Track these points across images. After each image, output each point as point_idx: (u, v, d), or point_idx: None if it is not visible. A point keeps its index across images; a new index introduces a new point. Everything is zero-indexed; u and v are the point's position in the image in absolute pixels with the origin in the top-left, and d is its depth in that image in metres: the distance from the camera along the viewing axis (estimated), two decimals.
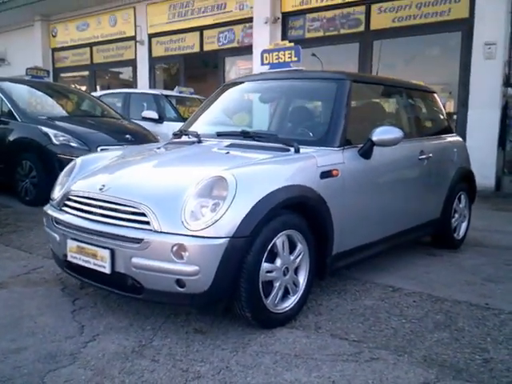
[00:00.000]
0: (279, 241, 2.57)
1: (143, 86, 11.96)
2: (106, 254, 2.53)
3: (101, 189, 2.70)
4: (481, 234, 4.83)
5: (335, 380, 2.11)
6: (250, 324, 2.58)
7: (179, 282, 2.38)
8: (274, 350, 2.36)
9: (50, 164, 5.80)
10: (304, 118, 3.53)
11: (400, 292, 3.21)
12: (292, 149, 2.96)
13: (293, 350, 2.37)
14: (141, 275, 2.46)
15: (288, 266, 2.64)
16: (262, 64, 3.77)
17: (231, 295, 2.46)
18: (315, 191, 2.76)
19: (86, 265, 2.65)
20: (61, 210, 2.92)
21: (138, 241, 2.41)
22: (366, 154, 3.12)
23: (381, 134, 3.09)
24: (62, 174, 3.24)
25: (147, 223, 2.44)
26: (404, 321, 2.76)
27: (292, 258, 2.67)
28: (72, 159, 5.82)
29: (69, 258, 2.77)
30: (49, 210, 3.03)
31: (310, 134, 3.28)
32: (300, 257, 2.72)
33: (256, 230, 2.41)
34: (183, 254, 2.34)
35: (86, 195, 2.77)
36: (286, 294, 2.68)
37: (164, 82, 12.66)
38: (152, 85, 12.06)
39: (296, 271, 2.73)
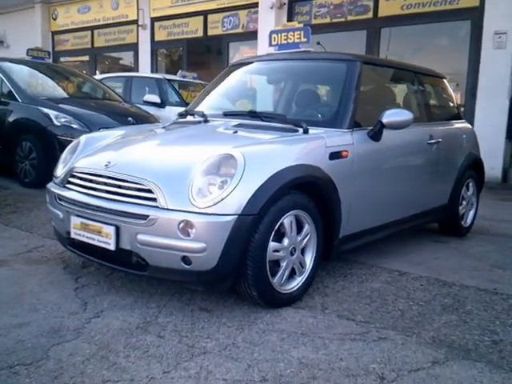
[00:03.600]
0: (287, 220, 2.53)
1: (144, 71, 11.86)
2: (111, 230, 2.49)
3: (106, 165, 2.65)
4: (487, 222, 4.81)
5: (343, 357, 2.08)
6: (255, 303, 2.55)
7: (185, 259, 2.34)
8: (281, 329, 2.33)
9: (51, 146, 5.73)
10: (312, 99, 3.47)
11: (407, 276, 3.18)
12: (301, 129, 2.91)
13: (299, 329, 2.34)
14: (146, 252, 2.43)
15: (295, 246, 2.61)
16: (270, 45, 3.70)
17: (237, 273, 2.42)
18: (324, 172, 2.72)
19: (90, 241, 2.62)
20: (64, 186, 2.88)
21: (144, 217, 2.37)
22: (375, 136, 3.08)
23: (391, 116, 3.04)
24: (66, 151, 3.20)
25: (153, 200, 2.40)
26: (411, 303, 2.73)
27: (299, 238, 2.63)
28: (73, 141, 5.81)
29: (72, 235, 2.73)
30: (52, 187, 2.99)
31: (319, 115, 3.23)
32: (307, 238, 2.68)
33: (264, 208, 2.37)
34: (190, 230, 2.30)
35: (91, 172, 2.72)
36: (292, 275, 2.65)
37: (166, 68, 12.57)
38: (154, 71, 11.96)
39: (303, 252, 2.69)
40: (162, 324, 2.35)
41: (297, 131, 2.92)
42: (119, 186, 2.54)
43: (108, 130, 3.53)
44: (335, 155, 2.82)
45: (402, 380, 1.92)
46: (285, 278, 2.58)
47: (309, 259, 2.73)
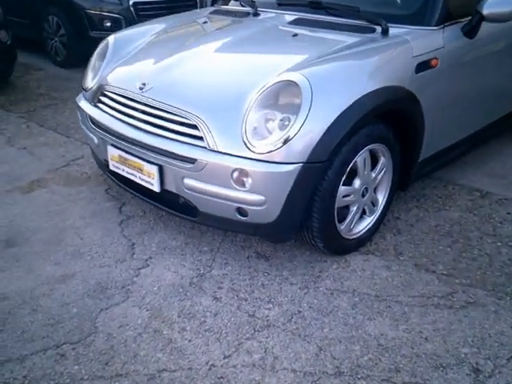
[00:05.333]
0: (360, 159, 2.09)
1: None
2: (154, 170, 2.14)
3: (141, 88, 2.20)
4: None
5: (428, 336, 1.80)
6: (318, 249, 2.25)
7: (240, 211, 2.00)
8: (351, 288, 2.05)
9: (79, 21, 5.18)
10: None
11: (490, 199, 2.75)
12: (378, 28, 2.30)
13: (373, 289, 2.05)
14: (195, 198, 2.09)
15: (368, 186, 2.20)
16: None
17: (301, 225, 2.08)
18: (408, 91, 2.18)
19: (131, 178, 2.29)
20: (96, 105, 2.47)
21: (191, 161, 1.99)
22: (471, 32, 2.42)
23: (494, 5, 2.34)
24: (94, 57, 2.72)
25: (200, 139, 1.98)
26: (499, 244, 2.36)
27: (373, 175, 2.22)
28: (102, 15, 5.20)
29: (111, 167, 2.41)
30: (82, 102, 2.59)
31: (399, 4, 2.54)
32: (382, 172, 2.26)
33: (335, 151, 1.93)
34: (245, 180, 1.91)
35: (124, 94, 2.28)
36: (361, 215, 2.29)
37: None
38: None
39: (375, 189, 2.30)
40: (218, 279, 2.11)
41: (373, 31, 2.32)
42: (159, 117, 2.12)
43: (140, 25, 2.95)
44: (423, 66, 2.24)
45: (500, 374, 1.64)
46: (354, 222, 2.23)
47: (382, 196, 2.34)
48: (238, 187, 1.94)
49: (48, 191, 2.86)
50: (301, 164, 1.88)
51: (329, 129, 1.89)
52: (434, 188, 2.88)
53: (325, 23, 2.44)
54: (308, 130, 1.87)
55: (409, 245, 2.35)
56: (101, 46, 2.74)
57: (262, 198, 1.92)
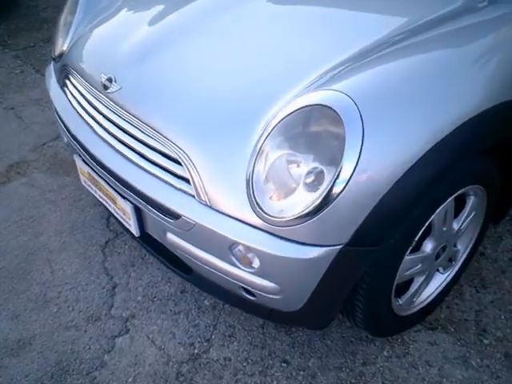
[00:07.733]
0: (438, 215, 1.32)
1: None
2: (128, 208, 1.47)
3: (106, 87, 1.46)
4: None
5: None
6: None
7: (247, 291, 1.34)
8: None
9: None
10: None
11: None
12: None
13: None
14: (183, 256, 1.43)
15: (447, 244, 1.45)
16: None
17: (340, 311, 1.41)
18: None
19: (105, 204, 1.65)
20: (62, 88, 1.77)
21: (174, 216, 1.30)
22: None
23: None
24: (65, 11, 1.95)
25: (187, 181, 1.27)
26: None
27: (456, 226, 1.45)
28: None
29: (82, 182, 1.76)
30: (50, 78, 1.88)
31: None
32: (470, 217, 1.48)
33: (399, 221, 1.17)
34: (251, 259, 1.22)
35: (87, 89, 1.56)
36: None
37: None
38: None
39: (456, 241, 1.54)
40: (216, 368, 1.50)
41: None
42: (130, 135, 1.41)
43: None
44: None
45: None
46: (418, 294, 1.51)
47: (465, 246, 1.59)
48: (239, 265, 1.25)
49: (27, 182, 2.28)
50: (339, 247, 1.15)
51: (391, 190, 1.11)
52: None
53: None
54: (354, 192, 1.09)
55: (497, 312, 1.63)
56: None
57: (276, 286, 1.24)
